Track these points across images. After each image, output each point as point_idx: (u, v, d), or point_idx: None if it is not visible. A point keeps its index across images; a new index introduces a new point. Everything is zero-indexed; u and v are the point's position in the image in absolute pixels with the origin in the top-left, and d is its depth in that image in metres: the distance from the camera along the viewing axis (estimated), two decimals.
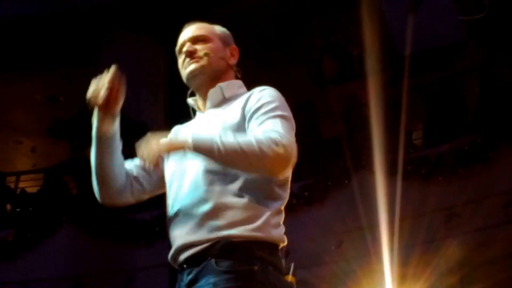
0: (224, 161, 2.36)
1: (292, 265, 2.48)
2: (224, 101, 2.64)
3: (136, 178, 2.66)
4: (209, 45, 2.65)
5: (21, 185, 11.66)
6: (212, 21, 2.78)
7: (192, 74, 2.63)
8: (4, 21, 12.26)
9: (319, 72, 12.68)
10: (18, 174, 11.97)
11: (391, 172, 9.15)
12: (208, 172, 2.45)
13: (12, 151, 13.81)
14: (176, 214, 2.50)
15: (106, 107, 2.49)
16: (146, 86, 12.59)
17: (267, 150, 2.33)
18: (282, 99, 2.56)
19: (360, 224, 9.16)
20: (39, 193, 11.38)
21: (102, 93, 2.45)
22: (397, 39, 11.06)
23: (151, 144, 2.37)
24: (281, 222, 2.48)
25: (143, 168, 2.65)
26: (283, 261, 2.46)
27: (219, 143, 2.34)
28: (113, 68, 2.48)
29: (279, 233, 2.45)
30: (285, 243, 2.47)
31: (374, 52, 10.68)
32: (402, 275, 8.79)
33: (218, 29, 2.75)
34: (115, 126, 2.55)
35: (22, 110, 13.47)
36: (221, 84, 2.64)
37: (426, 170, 9.70)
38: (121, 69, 2.55)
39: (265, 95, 2.53)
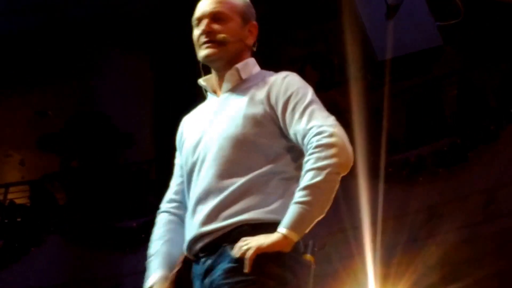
0: (325, 210, 2.32)
1: (311, 243, 2.39)
2: (240, 83, 2.53)
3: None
4: (228, 25, 2.50)
5: (10, 196, 11.73)
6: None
7: (208, 59, 2.51)
8: None
9: None
10: (7, 186, 12.06)
11: (373, 175, 9.20)
12: (222, 163, 2.39)
13: (2, 164, 13.96)
14: (192, 204, 2.44)
15: None
16: (134, 99, 12.71)
17: (331, 163, 2.31)
18: (304, 82, 2.50)
19: (343, 226, 9.21)
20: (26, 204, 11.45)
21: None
22: (376, 47, 11.17)
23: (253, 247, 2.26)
24: None
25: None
26: (300, 241, 2.36)
27: (311, 212, 2.27)
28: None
29: None
30: None
31: (354, 60, 10.77)
32: (385, 275, 8.79)
33: (240, 2, 2.57)
34: None
35: (11, 125, 13.61)
36: (237, 66, 2.52)
37: (407, 172, 9.79)
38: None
39: (291, 83, 2.46)
